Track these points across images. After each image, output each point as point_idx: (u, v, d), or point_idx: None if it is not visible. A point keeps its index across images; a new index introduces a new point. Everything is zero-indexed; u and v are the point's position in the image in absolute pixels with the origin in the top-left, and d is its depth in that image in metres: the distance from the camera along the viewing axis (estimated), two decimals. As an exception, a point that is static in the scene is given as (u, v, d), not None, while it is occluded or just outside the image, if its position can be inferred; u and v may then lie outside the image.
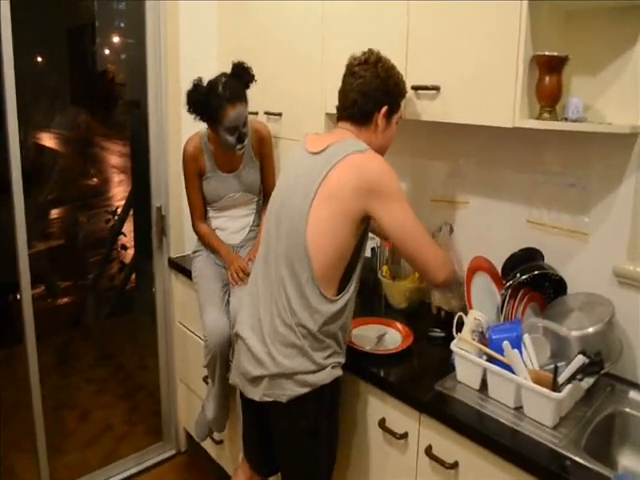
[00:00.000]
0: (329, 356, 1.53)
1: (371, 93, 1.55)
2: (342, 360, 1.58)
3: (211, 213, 2.26)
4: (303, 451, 1.60)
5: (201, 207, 2.26)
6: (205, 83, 2.03)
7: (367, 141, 1.56)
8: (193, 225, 2.30)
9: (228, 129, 2.01)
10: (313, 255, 1.47)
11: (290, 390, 1.50)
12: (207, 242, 2.25)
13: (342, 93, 1.61)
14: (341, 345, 1.58)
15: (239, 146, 2.07)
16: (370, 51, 1.59)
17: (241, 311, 1.68)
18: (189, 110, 2.04)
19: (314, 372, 1.51)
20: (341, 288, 1.53)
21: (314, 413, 1.54)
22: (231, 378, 1.69)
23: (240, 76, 2.07)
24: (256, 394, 1.55)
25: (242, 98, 2.03)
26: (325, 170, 1.48)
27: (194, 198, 2.25)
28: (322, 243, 1.47)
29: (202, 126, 2.15)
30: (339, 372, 1.56)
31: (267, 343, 1.52)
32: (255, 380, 1.55)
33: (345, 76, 1.60)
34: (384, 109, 1.57)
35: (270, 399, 1.53)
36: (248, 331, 1.58)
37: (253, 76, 2.09)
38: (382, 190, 1.46)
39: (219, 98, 1.97)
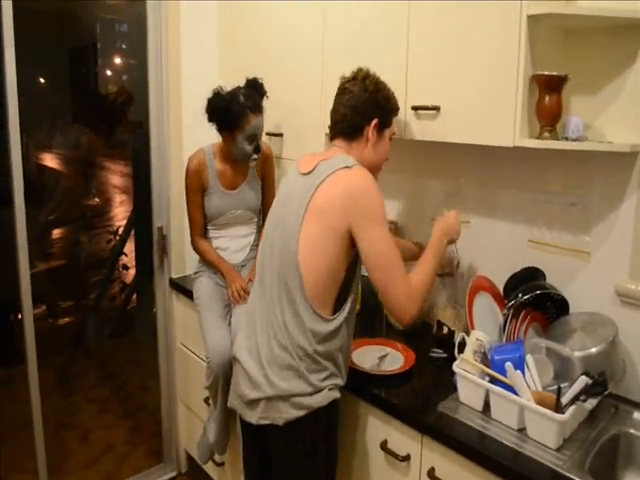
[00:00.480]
0: (326, 378, 1.52)
1: (360, 106, 1.56)
2: (340, 382, 1.57)
3: (212, 233, 2.26)
4: (301, 473, 1.58)
5: (201, 223, 2.25)
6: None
7: (359, 156, 1.57)
8: (192, 242, 2.29)
9: (248, 137, 2.04)
10: (305, 274, 1.47)
11: (286, 413, 1.49)
12: (207, 259, 2.24)
13: (333, 111, 1.62)
14: (340, 367, 1.57)
15: (255, 156, 2.09)
16: (359, 69, 1.61)
17: (239, 333, 1.68)
18: (209, 117, 2.07)
19: (310, 394, 1.49)
20: (337, 308, 1.52)
21: (311, 435, 1.53)
22: (229, 401, 1.68)
23: (257, 89, 2.11)
24: (253, 417, 1.54)
25: (261, 109, 2.08)
26: (314, 187, 1.49)
27: (195, 214, 2.24)
28: (313, 260, 1.47)
29: (204, 144, 2.17)
30: (336, 394, 1.55)
31: (264, 365, 1.52)
32: (252, 403, 1.54)
33: (336, 96, 1.62)
34: (374, 122, 1.58)
35: (267, 422, 1.52)
36: (245, 353, 1.58)
37: (266, 91, 2.13)
38: (365, 207, 1.45)
39: (242, 106, 2.01)
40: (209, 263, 2.24)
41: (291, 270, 1.49)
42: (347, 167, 1.49)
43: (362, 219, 1.44)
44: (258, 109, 2.06)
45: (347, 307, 1.54)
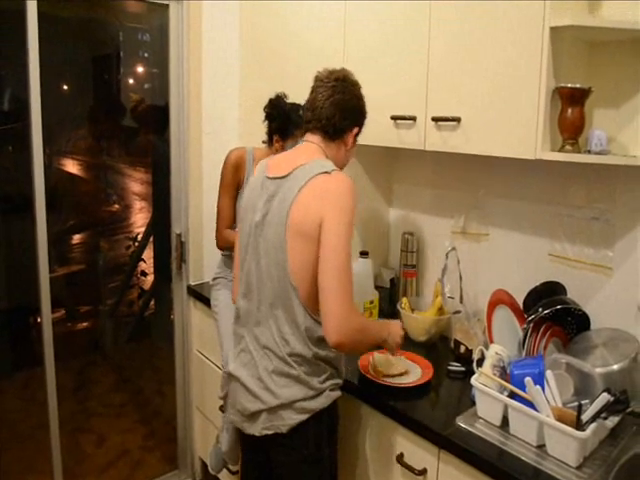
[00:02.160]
0: (326, 379, 1.52)
1: (349, 111, 1.57)
2: (339, 381, 1.58)
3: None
4: None
5: (230, 218, 2.19)
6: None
7: (333, 156, 1.58)
8: (218, 236, 2.20)
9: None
10: (298, 284, 1.46)
11: (290, 419, 1.49)
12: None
13: (317, 105, 1.57)
14: (338, 368, 1.58)
15: None
16: (343, 69, 1.61)
17: (231, 350, 1.68)
18: (267, 116, 2.08)
19: (313, 397, 1.50)
20: None
21: (315, 440, 1.52)
22: (227, 416, 1.67)
23: None
24: (255, 429, 1.54)
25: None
26: (293, 194, 1.46)
27: (225, 206, 2.18)
28: (304, 270, 1.45)
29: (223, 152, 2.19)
30: (337, 394, 1.56)
31: (262, 378, 1.51)
32: (253, 416, 1.54)
33: (319, 88, 1.58)
34: (355, 130, 1.60)
35: (270, 432, 1.51)
36: (241, 369, 1.58)
37: None
38: (338, 203, 1.43)
39: (300, 119, 1.99)
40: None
41: (284, 282, 1.48)
42: (326, 172, 1.47)
43: (332, 211, 1.42)
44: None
45: None
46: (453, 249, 1.96)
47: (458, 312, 1.91)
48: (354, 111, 1.58)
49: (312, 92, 1.60)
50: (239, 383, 1.58)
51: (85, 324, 4.25)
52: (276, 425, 1.50)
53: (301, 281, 1.46)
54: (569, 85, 1.45)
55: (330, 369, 1.54)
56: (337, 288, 1.39)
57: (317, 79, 1.60)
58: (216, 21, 2.53)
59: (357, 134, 1.62)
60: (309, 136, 1.60)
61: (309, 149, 1.57)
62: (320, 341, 1.49)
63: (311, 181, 1.46)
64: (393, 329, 1.64)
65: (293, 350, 1.48)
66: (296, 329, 1.48)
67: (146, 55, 4.31)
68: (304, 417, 1.48)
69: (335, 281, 1.40)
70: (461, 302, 1.95)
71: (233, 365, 1.61)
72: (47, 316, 2.26)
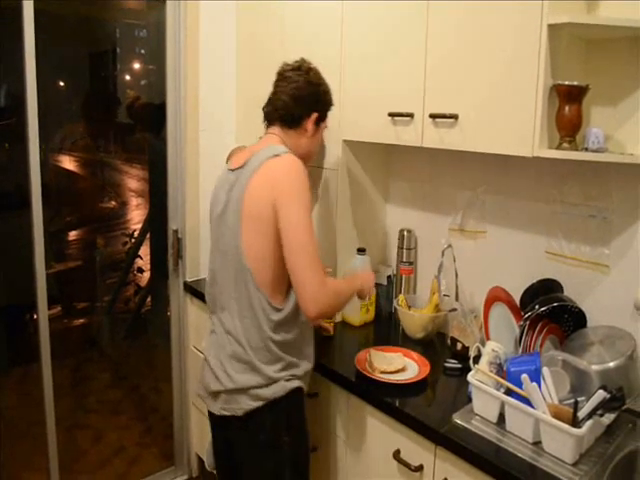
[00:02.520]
0: (282, 369, 1.55)
1: (303, 98, 1.62)
2: (299, 372, 1.59)
3: None
4: (264, 466, 1.60)
5: None
6: None
7: (294, 144, 1.62)
8: None
9: None
10: (253, 268, 1.51)
11: (245, 404, 1.55)
12: None
13: (274, 97, 1.66)
14: (301, 356, 1.60)
15: None
16: (302, 59, 1.67)
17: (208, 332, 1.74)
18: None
19: (267, 386, 1.53)
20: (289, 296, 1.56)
21: (272, 426, 1.56)
22: (196, 391, 1.74)
23: None
24: (215, 408, 1.62)
25: None
26: (245, 181, 1.52)
27: None
28: (259, 255, 1.51)
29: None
30: (294, 384, 1.58)
31: (222, 361, 1.59)
32: (214, 394, 1.62)
33: (277, 81, 1.66)
34: (314, 115, 1.63)
35: (228, 413, 1.58)
36: (209, 349, 1.67)
37: None
38: (287, 186, 1.47)
39: None
40: None
41: (240, 267, 1.54)
42: (276, 155, 1.52)
43: (283, 197, 1.46)
44: None
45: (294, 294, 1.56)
46: (449, 246, 1.96)
47: (454, 310, 1.91)
48: (310, 97, 1.62)
49: (273, 87, 1.68)
50: (206, 362, 1.67)
51: (81, 321, 4.25)
52: (233, 408, 1.57)
53: (256, 264, 1.51)
54: (566, 83, 1.44)
55: (289, 358, 1.56)
56: (305, 263, 1.43)
57: (277, 74, 1.68)
58: (213, 18, 2.52)
59: (319, 120, 1.65)
60: (270, 129, 1.67)
61: (268, 140, 1.63)
62: (277, 326, 1.53)
63: (262, 166, 1.51)
64: (364, 278, 1.71)
65: (249, 335, 1.53)
66: (252, 313, 1.53)
67: (143, 52, 4.29)
68: (258, 404, 1.54)
69: (302, 257, 1.43)
70: (457, 300, 1.96)
71: (204, 344, 1.70)
72: (43, 312, 2.25)
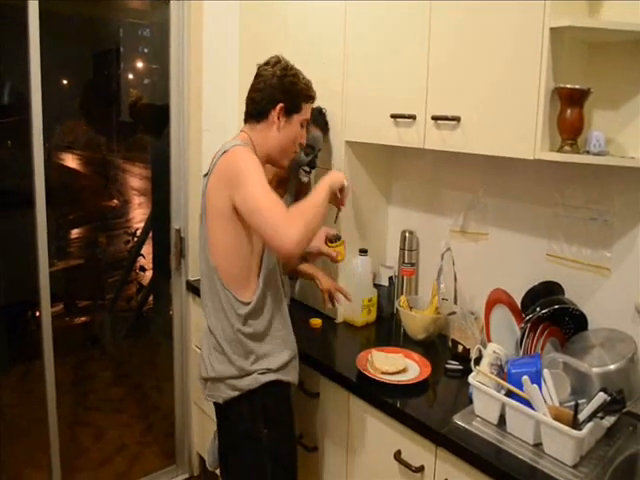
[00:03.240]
0: (254, 362, 1.59)
1: (267, 90, 1.62)
2: (273, 365, 1.61)
3: None
4: (244, 457, 1.64)
5: None
6: None
7: (263, 138, 1.63)
8: None
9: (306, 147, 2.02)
10: (218, 264, 1.56)
11: (224, 393, 1.62)
12: None
13: (247, 95, 1.68)
14: (275, 349, 1.62)
15: (307, 168, 2.08)
16: (274, 55, 1.69)
17: None
18: None
19: (240, 377, 1.59)
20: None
21: (250, 417, 1.61)
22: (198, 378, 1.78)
23: (322, 116, 2.12)
24: (204, 393, 1.71)
25: (325, 129, 2.12)
26: (205, 186, 1.58)
27: None
28: (221, 251, 1.56)
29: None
30: (268, 378, 1.60)
31: (209, 351, 1.65)
32: (204, 381, 1.69)
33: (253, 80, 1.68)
34: (279, 106, 1.61)
35: (212, 400, 1.67)
36: (203, 339, 1.72)
37: (328, 122, 2.14)
38: (234, 174, 1.48)
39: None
40: None
41: (208, 266, 1.59)
42: (225, 152, 1.53)
43: (234, 186, 1.47)
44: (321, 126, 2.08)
45: (260, 286, 1.58)
46: (448, 249, 1.96)
47: (453, 313, 1.92)
48: (271, 88, 1.62)
49: None
50: (200, 350, 1.74)
51: (84, 319, 4.26)
52: (215, 395, 1.65)
53: (221, 262, 1.56)
54: (568, 86, 1.45)
55: (260, 351, 1.60)
56: (264, 212, 1.40)
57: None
58: (217, 18, 2.53)
59: (286, 111, 1.63)
60: (243, 127, 1.69)
61: (230, 140, 1.64)
62: (245, 318, 1.57)
63: (215, 166, 1.55)
64: (331, 177, 1.61)
65: (222, 329, 1.60)
66: (222, 308, 1.59)
67: (146, 51, 4.30)
68: (235, 394, 1.60)
69: (262, 211, 1.41)
70: (455, 303, 1.96)
71: (201, 334, 1.75)
72: (46, 310, 2.26)
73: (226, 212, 1.50)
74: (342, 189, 1.64)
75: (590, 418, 1.32)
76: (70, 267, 4.29)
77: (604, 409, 1.33)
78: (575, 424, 1.31)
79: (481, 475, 1.36)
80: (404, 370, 1.75)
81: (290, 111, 1.64)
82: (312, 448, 1.92)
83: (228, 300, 1.57)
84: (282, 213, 1.40)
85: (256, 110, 1.63)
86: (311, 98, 1.71)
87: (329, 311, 2.17)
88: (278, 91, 1.62)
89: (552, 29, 1.41)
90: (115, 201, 5.01)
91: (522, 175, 1.83)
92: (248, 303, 1.57)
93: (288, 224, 1.38)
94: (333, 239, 1.78)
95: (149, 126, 3.77)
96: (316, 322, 2.12)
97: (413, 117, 1.78)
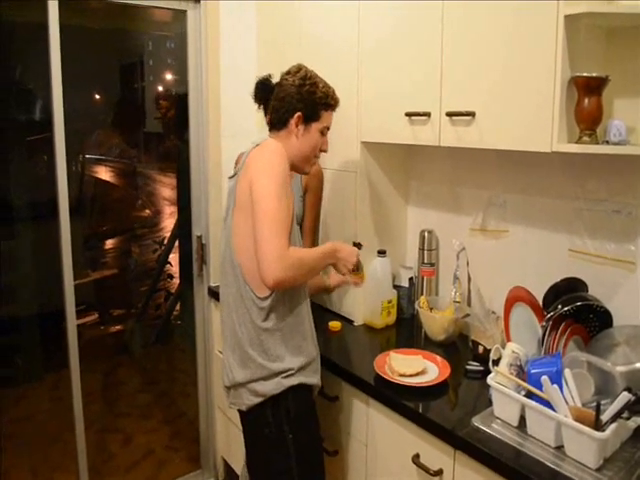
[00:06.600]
0: (275, 360, 1.58)
1: (286, 99, 1.65)
2: (294, 365, 1.59)
3: None
4: (270, 461, 1.63)
5: None
6: None
7: (285, 146, 1.61)
8: None
9: None
10: (241, 262, 1.57)
11: (247, 399, 1.60)
12: None
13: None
14: (295, 349, 1.60)
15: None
16: (297, 64, 1.70)
17: None
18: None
19: (262, 382, 1.57)
20: None
21: (275, 422, 1.58)
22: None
23: None
24: (227, 401, 1.70)
25: None
26: (236, 179, 1.59)
27: None
28: (244, 248, 1.55)
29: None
30: (291, 382, 1.58)
31: (229, 355, 1.65)
32: (227, 389, 1.69)
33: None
34: (297, 114, 1.64)
35: (235, 407, 1.66)
36: (224, 344, 1.71)
37: None
38: (259, 164, 1.51)
39: None
40: None
41: (232, 262, 1.60)
42: (258, 144, 1.57)
43: (255, 174, 1.49)
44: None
45: None
46: (463, 249, 1.92)
47: (467, 316, 1.88)
48: (290, 97, 1.64)
49: None
50: (222, 355, 1.73)
51: (116, 327, 4.33)
52: (238, 402, 1.64)
53: (243, 257, 1.56)
54: (585, 74, 1.40)
55: (281, 350, 1.58)
56: (268, 230, 1.43)
57: None
58: (233, 25, 2.55)
59: (304, 119, 1.65)
60: (268, 135, 1.71)
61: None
62: (266, 313, 1.56)
63: (247, 158, 1.56)
64: (343, 250, 1.67)
65: (243, 327, 1.58)
66: (243, 305, 1.58)
67: (173, 62, 4.37)
68: (258, 400, 1.58)
69: (266, 225, 1.43)
70: (469, 305, 1.92)
71: (223, 339, 1.74)
72: (72, 321, 2.32)
73: (247, 203, 1.51)
74: (355, 267, 1.71)
75: (614, 419, 1.26)
76: (103, 277, 4.36)
77: (629, 409, 1.27)
78: (597, 425, 1.25)
79: (501, 479, 1.31)
80: (423, 372, 1.71)
81: (309, 119, 1.66)
82: (333, 452, 1.89)
83: (249, 296, 1.57)
84: (280, 249, 1.43)
85: (277, 119, 1.67)
86: (330, 106, 1.72)
87: (347, 314, 2.15)
88: (296, 100, 1.64)
89: (567, 16, 1.36)
90: (147, 211, 5.09)
91: (541, 170, 1.78)
92: (266, 298, 1.56)
93: (278, 263, 1.41)
94: (355, 268, 1.75)
95: (179, 135, 3.82)
96: (335, 325, 2.10)
97: (428, 114, 1.75)
